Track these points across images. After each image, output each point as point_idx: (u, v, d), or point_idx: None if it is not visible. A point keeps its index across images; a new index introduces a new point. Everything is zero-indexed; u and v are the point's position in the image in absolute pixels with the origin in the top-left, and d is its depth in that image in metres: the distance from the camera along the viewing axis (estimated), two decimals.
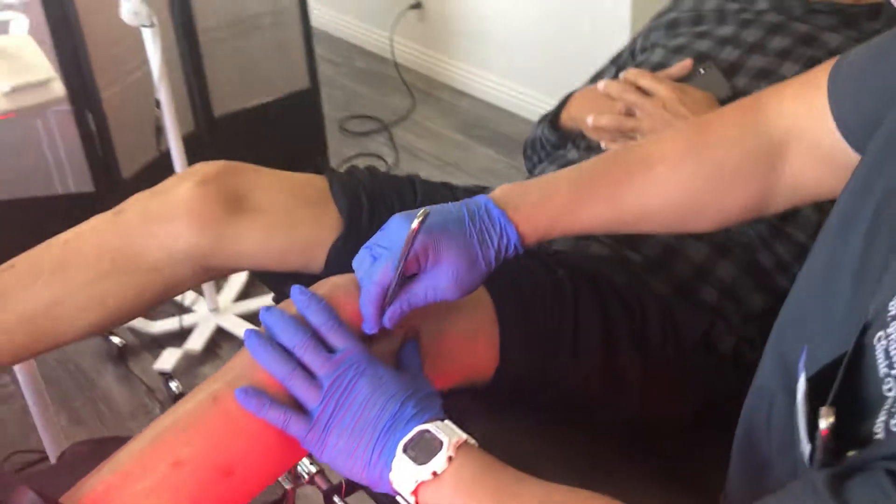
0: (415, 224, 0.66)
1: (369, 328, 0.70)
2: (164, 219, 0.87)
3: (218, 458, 0.65)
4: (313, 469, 1.09)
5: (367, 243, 0.72)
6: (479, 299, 0.80)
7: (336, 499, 1.07)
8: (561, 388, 0.84)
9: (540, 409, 0.86)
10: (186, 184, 0.88)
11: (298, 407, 0.66)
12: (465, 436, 0.63)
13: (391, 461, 0.62)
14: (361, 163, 2.79)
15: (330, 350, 0.67)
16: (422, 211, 0.67)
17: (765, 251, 0.95)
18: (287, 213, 0.91)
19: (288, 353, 0.67)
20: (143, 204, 0.89)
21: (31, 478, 0.62)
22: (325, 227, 0.92)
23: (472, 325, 0.79)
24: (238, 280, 2.29)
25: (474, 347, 0.79)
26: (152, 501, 0.62)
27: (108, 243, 0.87)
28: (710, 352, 0.91)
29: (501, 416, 0.81)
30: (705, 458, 0.80)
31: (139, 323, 2.16)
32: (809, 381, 0.50)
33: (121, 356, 2.13)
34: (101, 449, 0.69)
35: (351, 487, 1.09)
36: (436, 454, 0.61)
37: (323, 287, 0.72)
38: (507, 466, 0.62)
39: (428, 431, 0.62)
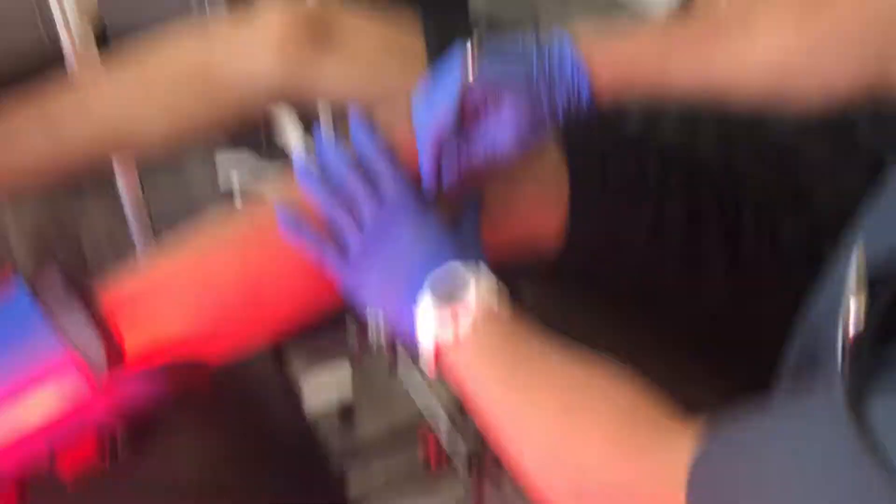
0: (468, 56, 0.60)
1: (427, 185, 0.66)
2: (250, 38, 0.85)
3: (249, 283, 0.63)
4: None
5: (422, 92, 0.66)
6: (555, 168, 0.74)
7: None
8: (632, 275, 0.78)
9: (607, 296, 0.80)
10: (275, 9, 0.86)
11: (338, 244, 0.64)
12: (497, 304, 0.59)
13: (418, 316, 0.59)
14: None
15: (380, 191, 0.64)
16: (471, 42, 0.60)
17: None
18: (374, 57, 0.87)
19: (337, 188, 0.64)
20: (230, 25, 0.87)
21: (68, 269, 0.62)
22: (408, 81, 0.87)
23: (541, 194, 0.73)
24: None
25: (540, 218, 0.74)
26: (177, 315, 0.62)
27: (192, 61, 0.85)
28: (812, 262, 0.82)
29: (560, 288, 0.77)
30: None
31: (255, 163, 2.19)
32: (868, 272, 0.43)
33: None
34: None
35: None
36: (462, 317, 0.58)
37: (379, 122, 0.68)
38: (536, 334, 0.58)
39: (461, 292, 0.59)
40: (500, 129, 0.64)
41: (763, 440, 0.42)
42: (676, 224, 0.76)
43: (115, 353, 0.59)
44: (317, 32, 0.86)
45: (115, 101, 0.85)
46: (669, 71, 0.65)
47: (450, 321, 0.58)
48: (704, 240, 0.77)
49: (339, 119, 1.10)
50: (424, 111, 0.65)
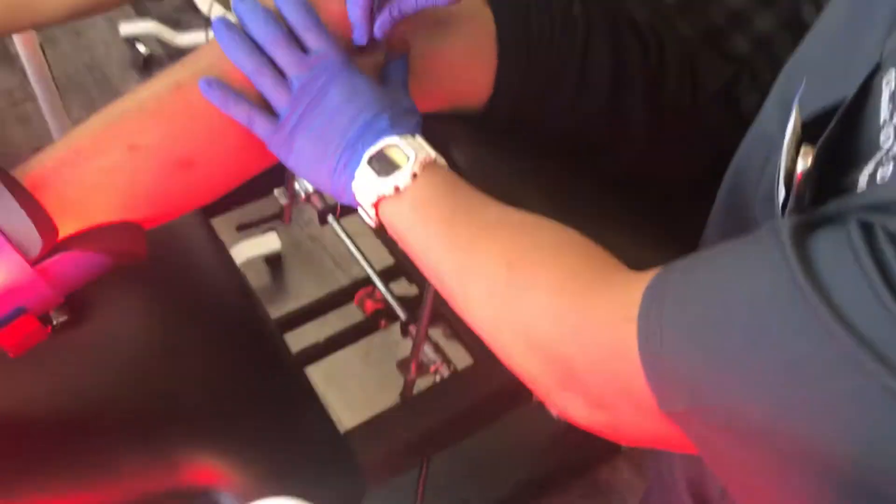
0: None
1: (358, 37, 0.64)
2: None
3: (176, 147, 0.62)
4: (310, 188, 1.09)
5: None
6: (480, 18, 0.73)
7: (330, 218, 1.08)
8: (559, 125, 0.79)
9: (534, 146, 0.81)
10: None
11: (267, 108, 0.63)
12: (433, 154, 0.59)
13: (355, 171, 0.59)
14: None
15: (305, 52, 0.62)
16: None
17: (811, 5, 0.85)
18: None
19: (259, 49, 0.62)
20: None
21: None
22: None
23: (468, 44, 0.72)
24: None
25: (468, 69, 0.73)
26: (105, 182, 0.60)
27: None
28: (731, 106, 0.84)
29: (489, 147, 0.77)
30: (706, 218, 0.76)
31: (166, 34, 2.10)
32: (804, 125, 0.44)
33: (146, 66, 2.10)
34: None
35: (346, 209, 1.09)
36: (399, 168, 0.57)
37: None
38: (475, 190, 0.59)
39: (396, 146, 0.58)
40: None
41: (711, 280, 0.42)
42: (602, 73, 0.77)
43: (47, 229, 0.58)
44: None
45: None
46: None
47: (389, 181, 0.58)
48: (628, 89, 0.78)
49: None
50: None
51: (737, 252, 0.42)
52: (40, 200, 0.58)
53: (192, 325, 0.82)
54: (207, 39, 2.07)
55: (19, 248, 0.56)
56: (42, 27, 0.85)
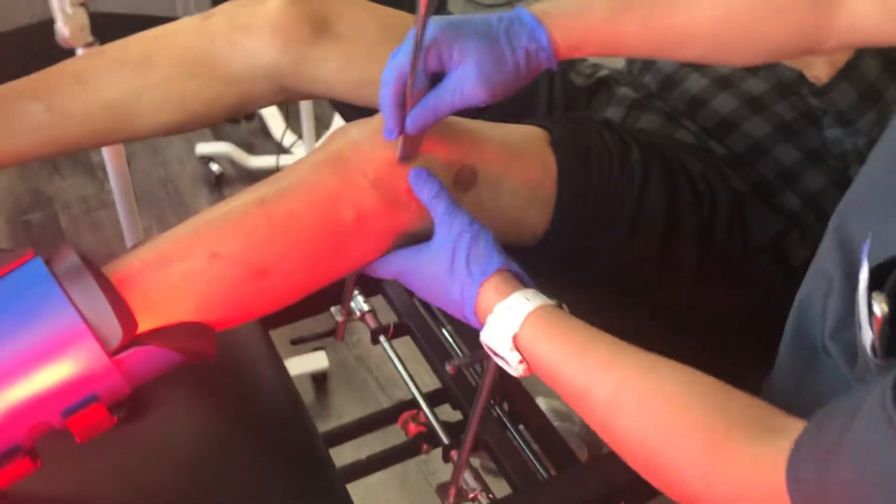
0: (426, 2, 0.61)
1: (390, 130, 0.69)
2: (248, 30, 0.87)
3: (254, 257, 0.66)
4: (366, 307, 1.12)
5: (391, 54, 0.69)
6: (542, 156, 0.78)
7: (382, 339, 1.11)
8: (609, 264, 0.82)
9: (583, 282, 0.84)
10: (276, 2, 0.88)
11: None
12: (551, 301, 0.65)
13: (495, 307, 0.64)
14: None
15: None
16: None
17: (860, 167, 0.89)
18: (371, 44, 0.90)
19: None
20: (231, 12, 0.89)
21: (82, 251, 0.65)
22: None
23: (529, 182, 0.77)
24: None
25: (527, 205, 0.78)
26: (185, 287, 0.65)
27: (193, 46, 0.88)
28: (780, 258, 0.87)
29: (538, 279, 0.80)
30: (753, 364, 0.78)
31: (239, 155, 2.22)
32: (872, 272, 0.47)
33: (217, 184, 2.21)
34: None
35: (398, 331, 1.12)
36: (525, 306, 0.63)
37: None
38: (586, 326, 0.63)
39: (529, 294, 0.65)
40: (464, 75, 0.67)
41: (838, 443, 0.43)
42: (655, 219, 0.81)
43: (127, 324, 0.62)
44: (316, 20, 0.89)
45: (116, 85, 0.86)
46: (622, 33, 0.70)
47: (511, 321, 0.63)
48: (680, 236, 0.82)
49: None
50: (389, 64, 0.68)
51: (863, 430, 0.43)
52: (125, 298, 0.63)
53: (244, 432, 0.84)
54: (278, 164, 2.19)
55: (100, 339, 0.60)
56: (134, 140, 0.92)
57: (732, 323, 0.88)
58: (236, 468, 0.81)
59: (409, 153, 0.71)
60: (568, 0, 0.72)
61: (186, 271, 0.65)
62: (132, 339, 0.62)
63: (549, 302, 0.64)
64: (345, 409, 1.72)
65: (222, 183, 2.22)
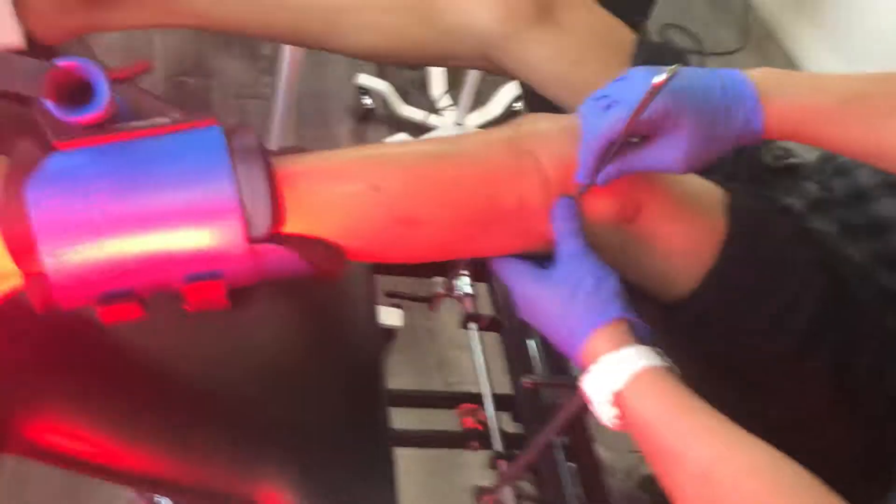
0: (661, 78, 0.60)
1: (582, 176, 0.68)
2: None
3: (411, 204, 0.66)
4: (469, 290, 1.12)
5: (598, 92, 0.68)
6: (715, 216, 0.75)
7: (473, 325, 1.10)
8: (741, 351, 0.79)
9: (709, 359, 0.81)
10: None
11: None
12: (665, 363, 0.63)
13: (600, 358, 0.63)
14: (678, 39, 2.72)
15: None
16: (672, 67, 0.60)
17: None
18: (584, 46, 0.88)
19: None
20: None
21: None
22: (607, 77, 0.89)
23: (693, 235, 0.74)
24: (493, 110, 2.31)
25: (681, 259, 0.75)
26: (338, 206, 0.65)
27: None
28: None
29: (663, 343, 0.78)
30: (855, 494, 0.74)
31: (394, 98, 2.24)
32: None
33: (364, 117, 2.23)
34: None
35: (490, 325, 1.11)
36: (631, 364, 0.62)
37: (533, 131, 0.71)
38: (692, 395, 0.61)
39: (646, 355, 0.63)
40: (671, 145, 0.65)
41: None
42: (799, 326, 0.77)
43: (276, 219, 0.62)
44: (542, 3, 0.88)
45: None
46: (838, 135, 0.67)
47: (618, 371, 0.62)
48: (819, 355, 0.78)
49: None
50: (596, 110, 0.66)
51: None
52: (282, 194, 0.63)
53: (324, 357, 0.85)
54: (426, 120, 2.20)
55: (248, 223, 0.61)
56: (326, 51, 0.93)
57: (846, 451, 0.83)
58: (305, 390, 0.82)
59: (586, 191, 0.70)
60: (795, 80, 0.68)
61: (345, 192, 0.65)
62: (275, 234, 0.63)
63: (661, 363, 0.63)
64: (398, 370, 1.73)
65: (369, 117, 2.24)
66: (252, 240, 0.61)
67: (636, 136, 0.67)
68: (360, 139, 2.17)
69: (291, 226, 0.64)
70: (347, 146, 1.82)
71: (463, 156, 0.69)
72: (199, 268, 0.62)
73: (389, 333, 1.76)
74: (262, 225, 0.61)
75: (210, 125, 0.63)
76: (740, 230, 0.75)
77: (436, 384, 1.73)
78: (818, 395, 0.79)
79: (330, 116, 2.22)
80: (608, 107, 0.65)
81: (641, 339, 0.66)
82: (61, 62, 0.59)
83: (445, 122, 2.23)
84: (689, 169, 0.66)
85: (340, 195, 0.65)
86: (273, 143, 1.59)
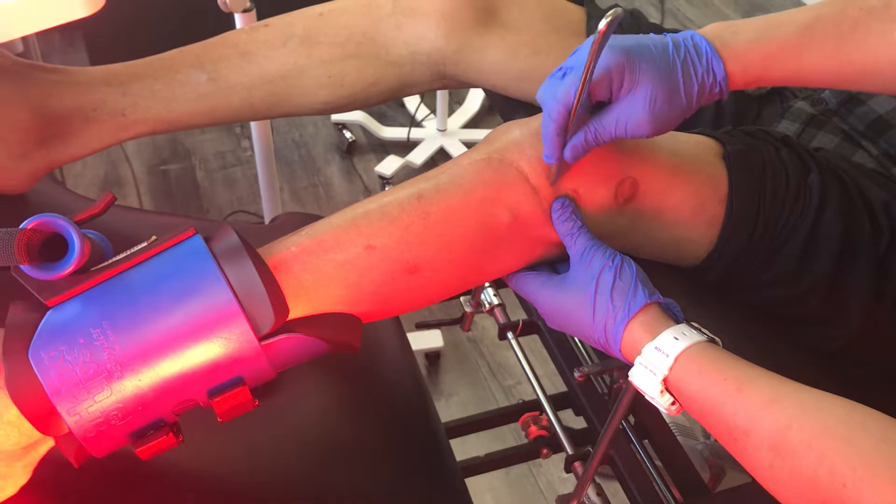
0: (602, 25, 0.57)
1: (548, 156, 0.65)
2: (415, 14, 0.85)
3: (408, 252, 0.65)
4: (495, 301, 1.10)
5: (555, 70, 0.65)
6: (713, 169, 0.73)
7: (510, 335, 1.08)
8: (773, 294, 0.77)
9: (742, 309, 0.79)
10: None
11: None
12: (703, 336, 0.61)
13: (643, 348, 0.62)
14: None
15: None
16: (611, 11, 0.58)
17: None
18: (535, 36, 0.87)
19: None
20: None
21: (241, 228, 0.65)
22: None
23: (696, 195, 0.72)
24: (471, 108, 2.29)
25: (692, 225, 0.73)
26: (338, 276, 0.64)
27: (357, 25, 0.86)
28: None
29: (696, 301, 0.76)
30: None
31: (372, 125, 2.23)
32: None
33: (349, 151, 2.23)
34: (310, 222, 0.71)
35: (527, 328, 1.10)
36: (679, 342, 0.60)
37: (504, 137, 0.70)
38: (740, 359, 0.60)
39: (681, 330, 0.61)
40: (633, 105, 0.63)
41: None
42: (829, 250, 0.75)
43: (280, 309, 0.61)
44: (483, 8, 0.86)
45: (279, 60, 0.86)
46: (805, 66, 0.65)
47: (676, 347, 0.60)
48: (852, 271, 0.76)
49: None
50: (553, 83, 0.64)
51: None
52: (279, 282, 0.62)
53: (372, 416, 0.83)
54: (408, 138, 2.19)
55: (252, 323, 0.60)
56: (289, 116, 0.92)
57: (893, 369, 0.81)
58: (363, 453, 0.81)
59: (563, 175, 0.68)
60: (747, 24, 0.66)
61: (341, 261, 0.64)
62: (283, 324, 0.62)
63: (702, 338, 0.61)
64: (455, 389, 1.72)
65: (353, 150, 2.23)
66: (262, 338, 0.60)
67: (596, 100, 0.65)
68: (351, 173, 2.17)
69: (297, 310, 0.63)
70: (340, 183, 1.82)
71: (445, 189, 0.67)
72: (217, 380, 0.61)
73: (435, 355, 1.75)
74: (267, 320, 0.60)
75: (188, 236, 0.62)
76: (742, 177, 0.73)
77: (494, 390, 1.72)
78: (861, 313, 0.77)
79: (316, 160, 2.21)
80: (563, 77, 0.64)
81: (676, 318, 0.64)
82: (27, 224, 0.58)
83: (429, 133, 2.22)
84: (657, 129, 0.64)
85: (337, 265, 0.64)
86: (266, 205, 1.58)
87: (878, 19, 0.63)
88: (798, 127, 0.89)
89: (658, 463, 0.94)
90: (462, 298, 1.14)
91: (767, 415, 0.54)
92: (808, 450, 0.51)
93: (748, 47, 0.64)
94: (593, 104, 0.65)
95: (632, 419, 1.00)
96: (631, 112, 0.63)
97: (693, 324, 0.63)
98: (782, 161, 0.75)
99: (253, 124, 1.48)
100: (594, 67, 0.60)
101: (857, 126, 0.88)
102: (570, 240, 0.67)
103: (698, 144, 0.75)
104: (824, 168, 0.77)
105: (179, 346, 0.60)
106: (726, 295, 0.79)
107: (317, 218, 0.71)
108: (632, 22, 0.93)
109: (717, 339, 0.62)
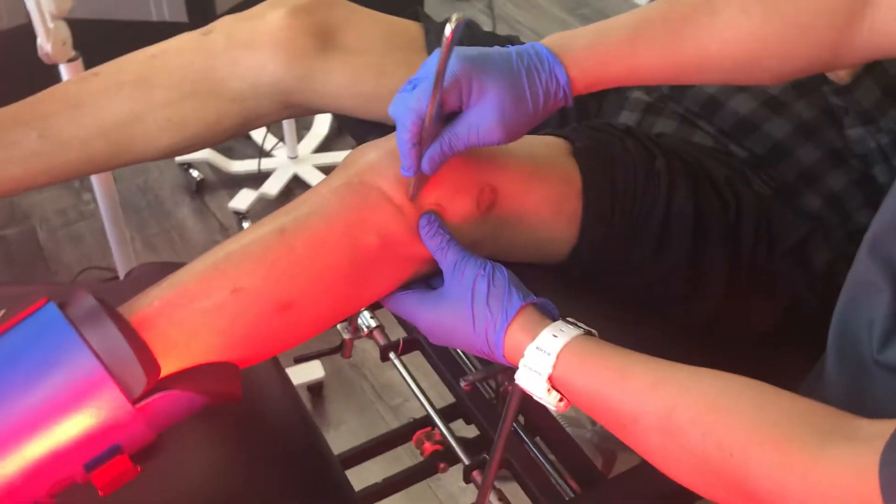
0: (448, 31, 0.58)
1: (406, 168, 0.66)
2: (251, 46, 0.84)
3: (278, 290, 0.63)
4: (373, 323, 1.09)
5: (405, 84, 0.66)
6: (566, 170, 0.76)
7: (392, 355, 1.08)
8: (639, 278, 0.80)
9: (612, 297, 0.82)
10: (277, 12, 0.84)
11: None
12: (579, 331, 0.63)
13: (525, 350, 0.62)
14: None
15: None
16: (455, 16, 0.59)
17: (883, 165, 0.88)
18: (378, 57, 0.87)
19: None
20: (230, 27, 0.85)
21: (96, 288, 0.62)
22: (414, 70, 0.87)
23: (554, 199, 0.74)
24: (320, 131, 2.27)
25: (553, 223, 0.75)
26: (208, 323, 0.61)
27: (192, 64, 0.84)
28: (803, 262, 0.85)
29: (567, 294, 0.78)
30: (780, 371, 0.76)
31: (219, 161, 2.17)
32: None
33: (199, 190, 2.16)
34: (168, 271, 0.68)
35: (408, 346, 1.09)
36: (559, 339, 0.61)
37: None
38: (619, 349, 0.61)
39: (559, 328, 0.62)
40: (484, 111, 0.64)
41: None
42: (684, 228, 0.78)
43: (150, 368, 0.58)
44: (320, 33, 0.85)
45: (114, 108, 0.82)
46: (641, 64, 0.68)
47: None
48: (708, 244, 0.80)
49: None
50: (403, 96, 0.65)
51: None
52: (146, 340, 0.59)
53: (262, 462, 0.81)
54: (259, 170, 2.14)
55: (123, 387, 0.57)
56: (134, 164, 0.88)
57: (760, 328, 0.86)
58: (259, 500, 0.78)
59: (422, 188, 0.68)
60: (583, 31, 0.69)
61: (209, 308, 0.62)
62: (156, 383, 0.59)
63: (579, 332, 0.62)
64: (343, 418, 1.69)
65: (203, 189, 2.17)
66: (135, 401, 0.57)
67: (448, 110, 0.65)
68: (204, 213, 2.10)
69: (169, 366, 0.60)
70: (195, 225, 1.75)
71: (307, 220, 0.66)
72: (93, 452, 0.57)
73: (318, 386, 1.72)
74: (138, 382, 0.57)
75: (40, 306, 0.58)
76: (593, 171, 0.76)
77: (383, 412, 1.71)
78: (721, 284, 0.81)
79: (165, 204, 2.13)
80: (413, 89, 0.64)
81: (552, 316, 0.65)
82: None
83: (280, 161, 2.18)
84: (507, 135, 0.65)
85: (205, 314, 0.62)
86: (118, 258, 1.51)
87: (702, 13, 0.67)
88: (638, 116, 0.93)
89: (552, 457, 0.96)
90: (339, 326, 1.12)
91: (652, 399, 0.56)
92: (694, 426, 0.53)
93: (586, 52, 0.67)
94: (446, 115, 0.65)
95: (521, 419, 1.01)
96: (481, 119, 0.64)
97: (569, 319, 0.64)
98: (628, 151, 0.78)
99: (93, 176, 1.42)
100: (444, 73, 0.60)
101: (692, 108, 0.93)
102: (441, 254, 0.67)
103: (549, 145, 0.77)
104: (669, 152, 0.81)
105: (46, 423, 0.56)
106: (595, 286, 0.82)
107: (176, 266, 0.68)
108: (468, 33, 0.94)
109: (593, 331, 0.64)
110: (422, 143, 0.64)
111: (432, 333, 0.68)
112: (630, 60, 0.67)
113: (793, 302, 0.85)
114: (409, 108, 0.63)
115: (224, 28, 0.86)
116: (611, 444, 1.27)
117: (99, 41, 1.23)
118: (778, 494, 0.49)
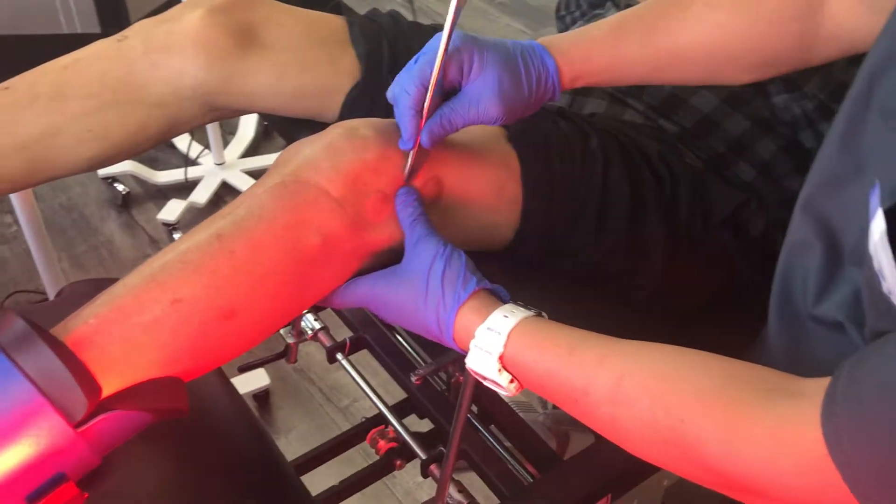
0: (452, 12, 0.61)
1: (405, 140, 0.66)
2: (169, 49, 0.81)
3: (219, 298, 0.61)
4: (317, 325, 1.07)
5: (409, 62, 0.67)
6: (504, 155, 0.76)
7: (339, 356, 1.06)
8: (581, 258, 0.80)
9: (556, 277, 0.82)
10: (195, 13, 0.82)
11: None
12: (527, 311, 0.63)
13: (475, 331, 0.62)
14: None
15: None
16: None
17: (809, 131, 0.90)
18: (301, 52, 0.85)
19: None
20: (147, 31, 0.82)
21: (25, 310, 0.59)
22: (341, 72, 0.86)
23: (494, 184, 0.74)
24: (246, 136, 2.23)
25: (495, 208, 0.75)
26: (148, 338, 0.59)
27: (109, 72, 0.81)
28: (739, 232, 0.87)
29: (515, 279, 0.78)
30: (725, 340, 0.77)
31: (144, 172, 2.12)
32: (888, 212, 0.46)
33: (125, 204, 2.10)
34: (101, 288, 0.65)
35: (355, 345, 1.08)
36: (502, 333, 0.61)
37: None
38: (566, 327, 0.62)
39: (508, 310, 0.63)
40: (484, 86, 0.66)
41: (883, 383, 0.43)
42: (621, 205, 0.79)
43: (90, 390, 0.56)
44: (240, 32, 0.83)
45: (29, 123, 0.78)
46: (621, 60, 0.71)
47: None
48: (646, 219, 0.81)
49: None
50: (405, 72, 0.66)
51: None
52: (84, 360, 0.57)
53: (214, 476, 0.78)
54: (186, 179, 2.09)
55: (62, 412, 0.54)
56: (55, 180, 0.84)
57: (700, 299, 0.87)
58: None
59: (417, 167, 0.68)
60: (569, 32, 0.73)
61: (148, 323, 0.59)
62: (97, 405, 0.56)
63: (529, 313, 0.62)
64: (292, 424, 1.67)
65: (130, 202, 2.11)
66: (76, 424, 0.55)
67: (449, 85, 0.67)
68: (132, 227, 2.04)
69: (111, 385, 0.58)
70: (123, 240, 1.70)
71: (245, 223, 0.64)
72: (35, 482, 0.55)
73: (264, 394, 1.69)
74: (78, 405, 0.55)
75: None
76: (529, 154, 0.76)
77: (333, 414, 1.69)
78: (660, 256, 0.82)
79: (91, 220, 2.07)
80: (416, 62, 0.66)
81: (503, 301, 0.65)
82: None
83: (207, 169, 2.14)
84: (505, 113, 0.67)
85: (144, 329, 0.59)
86: (46, 279, 1.46)
87: (677, 8, 0.71)
88: (569, 97, 0.93)
89: (508, 444, 0.96)
90: (283, 330, 1.10)
91: (601, 371, 0.56)
92: (644, 395, 0.53)
93: (571, 45, 0.71)
94: (446, 91, 0.67)
95: (475, 408, 1.01)
96: (482, 94, 0.66)
97: (519, 302, 0.64)
98: (562, 132, 0.78)
99: (13, 196, 1.36)
100: (450, 39, 0.62)
101: (621, 86, 0.93)
102: (409, 226, 0.66)
103: (484, 131, 0.77)
104: (602, 132, 0.81)
105: None
106: (542, 269, 0.82)
107: (109, 282, 0.65)
108: (392, 24, 0.93)
109: (543, 312, 0.63)
110: (422, 113, 0.65)
111: (386, 309, 0.67)
112: (612, 53, 0.71)
113: (731, 271, 0.87)
114: (410, 77, 0.65)
115: (140, 32, 0.83)
116: (564, 426, 1.27)
117: (8, 59, 1.18)
118: (727, 455, 0.49)
